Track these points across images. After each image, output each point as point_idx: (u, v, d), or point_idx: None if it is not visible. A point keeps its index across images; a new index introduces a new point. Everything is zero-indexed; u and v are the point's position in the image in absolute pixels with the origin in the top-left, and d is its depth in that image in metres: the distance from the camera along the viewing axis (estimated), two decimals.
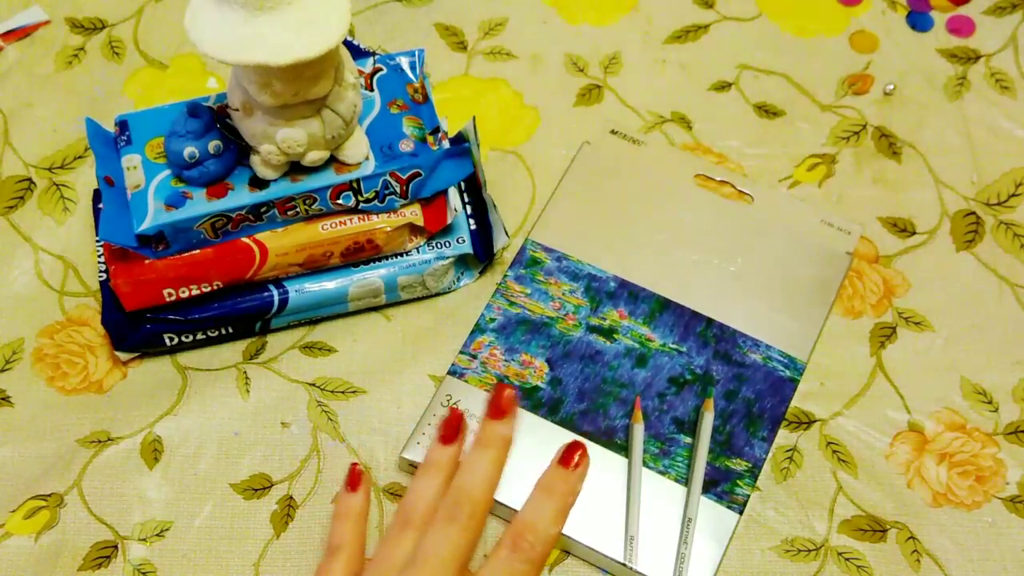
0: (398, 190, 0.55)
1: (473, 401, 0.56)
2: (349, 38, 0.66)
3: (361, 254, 0.57)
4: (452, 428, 0.49)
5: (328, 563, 0.49)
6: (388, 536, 0.48)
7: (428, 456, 0.49)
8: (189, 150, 0.52)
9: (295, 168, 0.54)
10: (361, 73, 0.58)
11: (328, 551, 0.50)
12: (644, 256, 0.60)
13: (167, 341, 0.57)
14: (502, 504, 0.53)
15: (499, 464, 0.48)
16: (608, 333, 0.58)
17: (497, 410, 0.48)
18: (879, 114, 0.67)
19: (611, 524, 0.53)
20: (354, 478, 0.52)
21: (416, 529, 0.47)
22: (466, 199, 0.61)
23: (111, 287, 0.55)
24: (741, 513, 0.54)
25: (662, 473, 0.54)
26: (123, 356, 0.58)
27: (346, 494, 0.51)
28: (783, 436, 0.57)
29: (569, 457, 0.46)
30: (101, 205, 0.56)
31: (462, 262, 0.60)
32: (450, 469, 0.49)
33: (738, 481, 0.55)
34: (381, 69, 0.58)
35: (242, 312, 0.57)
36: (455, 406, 0.51)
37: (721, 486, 0.54)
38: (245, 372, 0.58)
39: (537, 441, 0.55)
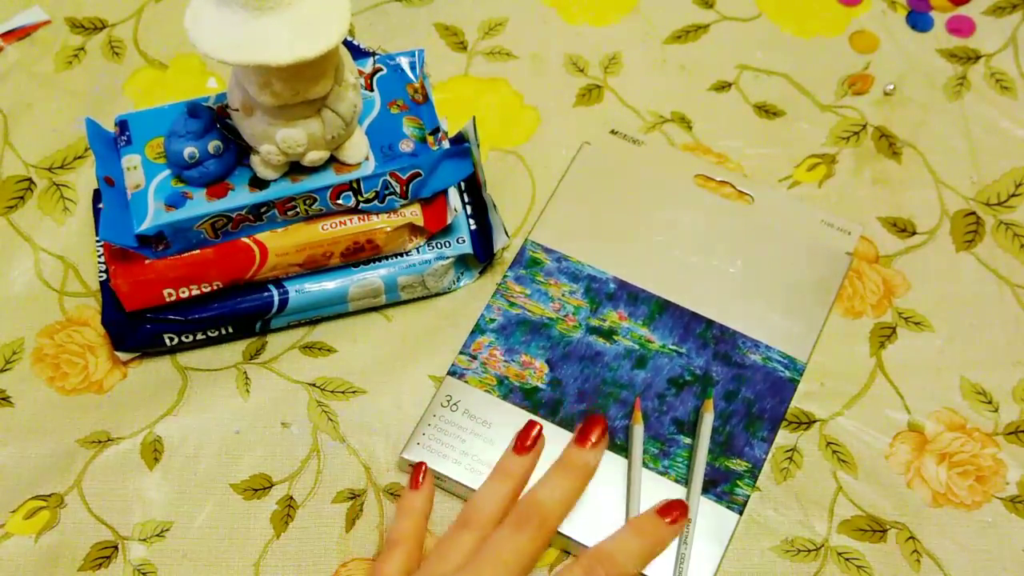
0: (398, 190, 0.55)
1: (473, 401, 0.56)
2: (349, 38, 0.66)
3: (361, 254, 0.57)
4: (528, 439, 0.49)
5: (387, 555, 0.50)
6: (447, 535, 0.49)
7: (500, 463, 0.50)
8: (189, 150, 0.52)
9: (295, 168, 0.54)
10: (361, 73, 0.58)
11: (388, 544, 0.51)
12: (644, 257, 0.60)
13: (167, 341, 0.57)
14: None
15: (578, 490, 0.50)
16: (608, 334, 0.58)
17: (585, 438, 0.49)
18: (879, 114, 0.67)
19: (611, 524, 0.53)
20: (418, 476, 0.52)
21: (476, 530, 0.48)
22: (466, 199, 0.61)
23: (111, 287, 0.55)
24: (741, 513, 0.54)
25: (662, 474, 0.54)
26: (123, 356, 0.58)
27: (409, 492, 0.52)
28: (783, 436, 0.57)
29: (669, 512, 0.49)
30: (101, 205, 0.55)
31: (462, 262, 0.60)
32: (520, 479, 0.50)
33: (738, 481, 0.55)
34: (381, 69, 0.58)
35: (242, 312, 0.57)
36: (533, 419, 0.51)
37: (721, 486, 0.54)
38: (245, 372, 0.58)
39: None
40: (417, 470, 0.53)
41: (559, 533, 0.52)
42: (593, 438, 0.50)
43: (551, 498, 0.49)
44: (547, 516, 0.48)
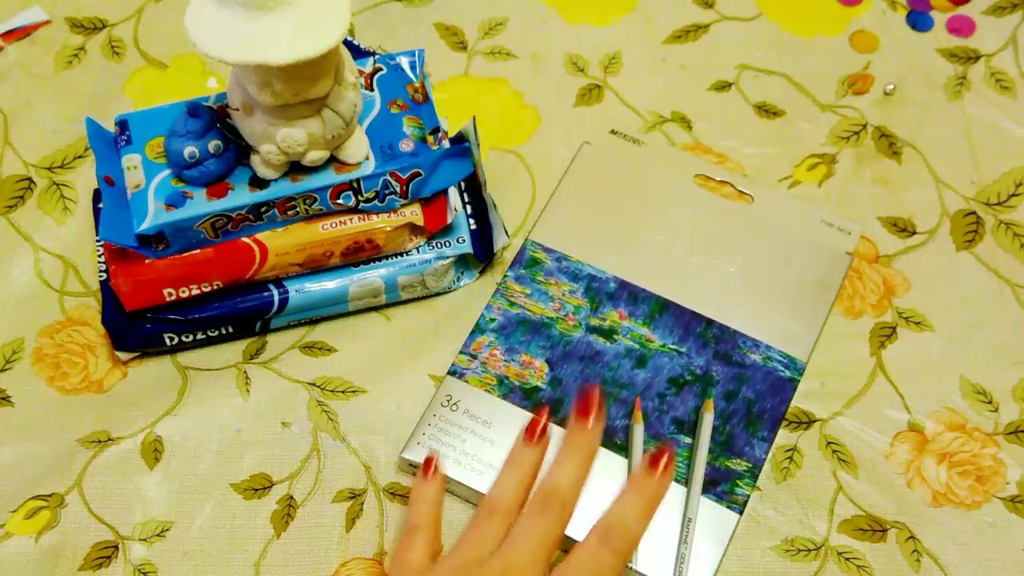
0: (398, 190, 0.55)
1: (473, 401, 0.56)
2: (349, 38, 0.66)
3: (361, 254, 0.57)
4: (536, 430, 0.50)
5: (408, 540, 0.49)
6: (474, 522, 0.49)
7: (512, 455, 0.50)
8: (189, 150, 0.52)
9: (295, 168, 0.54)
10: (361, 73, 0.58)
11: (406, 530, 0.50)
12: (644, 256, 0.60)
13: (167, 341, 0.57)
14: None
15: (586, 466, 0.49)
16: (608, 334, 0.58)
17: (584, 412, 0.49)
18: (879, 114, 0.67)
19: None
20: (429, 466, 0.52)
21: (502, 516, 0.48)
22: (466, 199, 0.61)
23: (111, 287, 0.55)
24: (741, 513, 0.54)
25: None
26: (123, 356, 0.58)
27: (421, 480, 0.52)
28: (783, 436, 0.57)
29: (657, 461, 0.47)
30: (101, 205, 0.56)
31: (462, 262, 0.60)
32: (532, 468, 0.50)
33: (738, 481, 0.55)
34: (381, 69, 0.58)
35: (242, 312, 0.57)
36: (543, 405, 0.51)
37: (721, 486, 0.54)
38: (245, 372, 0.58)
39: None
40: (428, 461, 0.52)
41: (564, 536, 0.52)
42: (593, 414, 0.50)
43: (567, 481, 0.49)
44: (565, 499, 0.48)
